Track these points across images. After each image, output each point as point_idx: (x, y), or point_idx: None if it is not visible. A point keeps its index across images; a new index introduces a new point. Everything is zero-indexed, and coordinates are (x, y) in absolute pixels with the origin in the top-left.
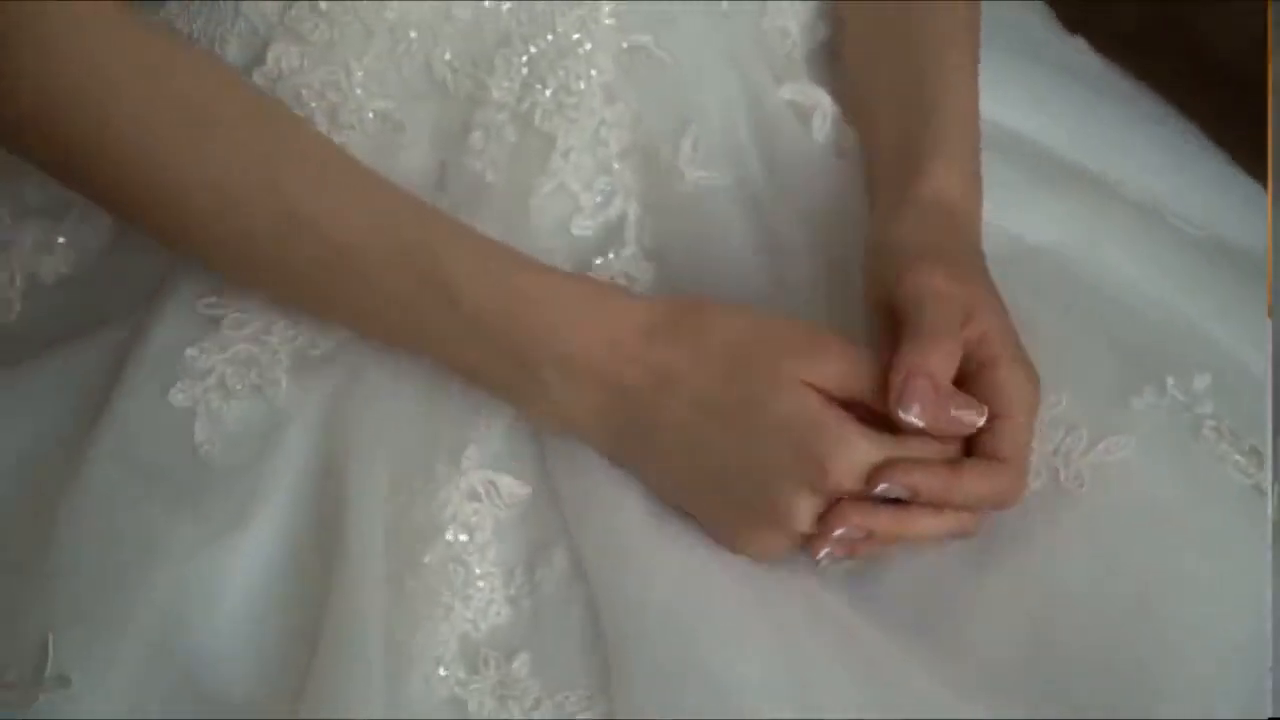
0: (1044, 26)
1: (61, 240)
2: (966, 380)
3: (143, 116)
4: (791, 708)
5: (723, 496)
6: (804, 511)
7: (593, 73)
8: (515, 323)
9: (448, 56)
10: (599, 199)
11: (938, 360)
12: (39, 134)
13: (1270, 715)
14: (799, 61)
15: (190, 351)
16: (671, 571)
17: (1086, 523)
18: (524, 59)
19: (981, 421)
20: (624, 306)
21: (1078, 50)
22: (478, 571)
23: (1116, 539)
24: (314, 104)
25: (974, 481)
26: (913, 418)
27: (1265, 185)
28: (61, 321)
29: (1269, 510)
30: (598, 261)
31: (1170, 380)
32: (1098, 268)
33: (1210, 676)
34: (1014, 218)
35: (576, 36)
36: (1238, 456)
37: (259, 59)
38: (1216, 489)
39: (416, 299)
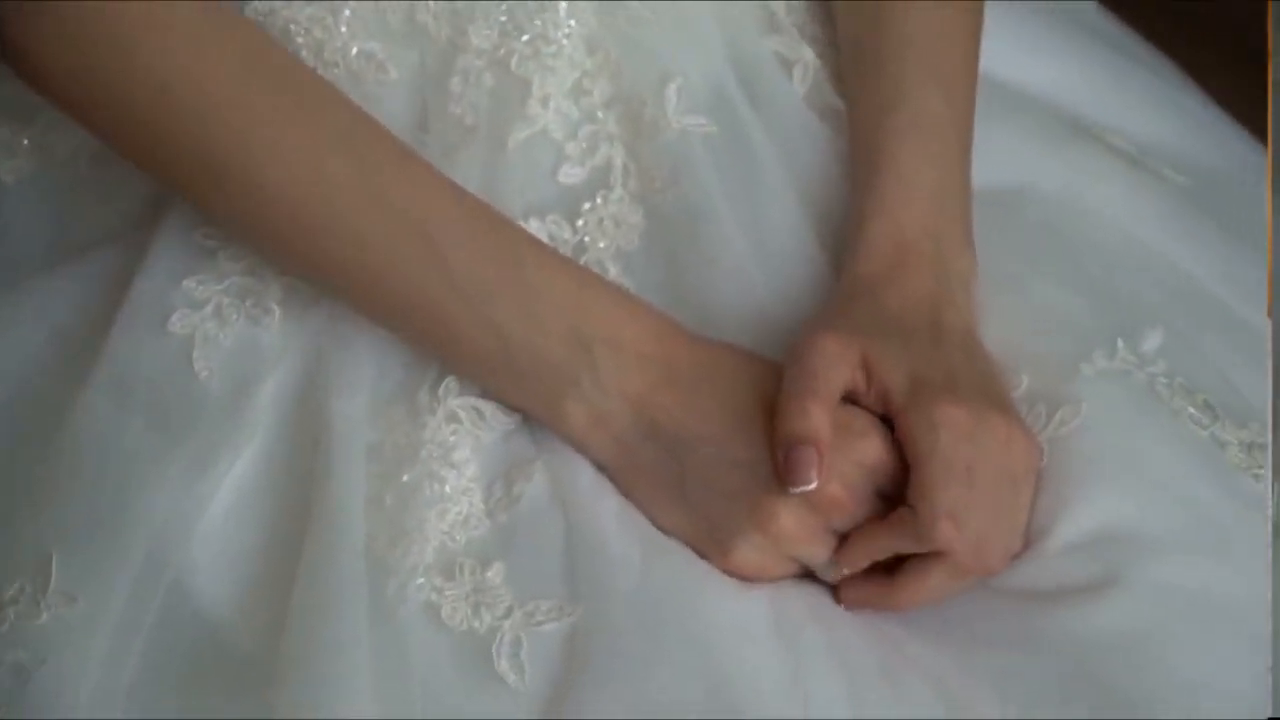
0: None
1: (26, 143)
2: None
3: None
4: (773, 643)
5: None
6: (787, 515)
7: (571, 23)
8: (573, 301)
9: (430, 2)
10: (585, 145)
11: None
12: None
13: (1270, 715)
14: (798, 11)
15: (188, 283)
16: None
17: (1053, 490)
18: (503, 8)
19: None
20: (656, 309)
21: None
22: (453, 487)
23: (1077, 490)
24: (300, 39)
25: (881, 538)
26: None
27: (1264, 140)
28: (36, 232)
29: (1269, 510)
30: (586, 206)
31: (1120, 343)
32: (1079, 211)
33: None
34: (993, 162)
35: None
36: (1191, 410)
37: None
38: (1176, 440)
39: (492, 271)
